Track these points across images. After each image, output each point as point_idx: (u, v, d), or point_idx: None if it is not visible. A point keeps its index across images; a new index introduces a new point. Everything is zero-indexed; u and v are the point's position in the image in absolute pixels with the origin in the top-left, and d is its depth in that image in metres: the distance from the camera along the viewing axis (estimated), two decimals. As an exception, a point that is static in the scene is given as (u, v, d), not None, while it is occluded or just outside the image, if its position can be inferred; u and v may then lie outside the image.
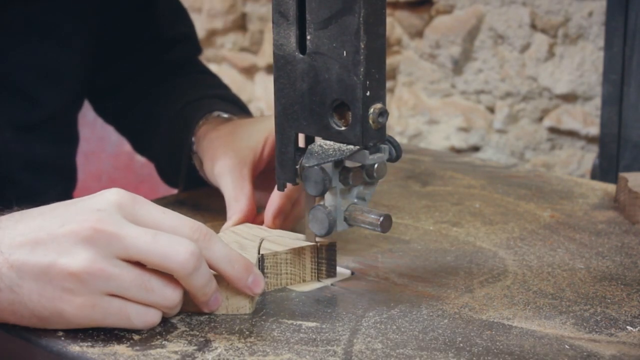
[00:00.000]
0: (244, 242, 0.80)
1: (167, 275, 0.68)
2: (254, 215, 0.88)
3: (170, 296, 0.69)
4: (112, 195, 0.69)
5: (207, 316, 0.73)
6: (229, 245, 0.72)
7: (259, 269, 0.77)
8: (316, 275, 0.80)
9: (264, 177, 0.93)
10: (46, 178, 1.08)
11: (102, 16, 1.11)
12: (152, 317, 0.69)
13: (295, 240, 0.80)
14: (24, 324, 0.69)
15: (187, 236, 0.69)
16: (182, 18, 1.20)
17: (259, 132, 0.92)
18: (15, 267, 0.67)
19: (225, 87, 1.17)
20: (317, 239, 0.79)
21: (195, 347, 0.67)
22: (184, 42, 1.19)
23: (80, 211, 0.68)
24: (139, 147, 1.20)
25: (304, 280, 0.79)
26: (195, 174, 1.02)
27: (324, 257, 0.79)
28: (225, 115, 1.02)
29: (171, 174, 1.08)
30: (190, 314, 0.73)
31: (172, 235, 0.68)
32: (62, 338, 0.69)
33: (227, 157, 0.91)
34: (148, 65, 1.17)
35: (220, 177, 0.90)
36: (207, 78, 1.19)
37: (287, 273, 0.79)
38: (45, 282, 0.66)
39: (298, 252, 0.79)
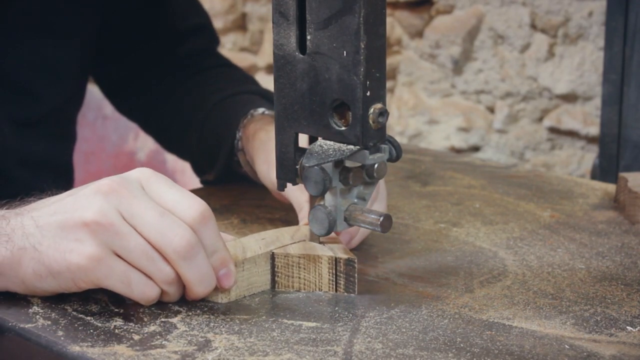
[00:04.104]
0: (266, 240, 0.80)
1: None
2: None
3: (169, 272, 0.71)
4: (136, 171, 0.74)
5: (207, 316, 0.73)
6: (220, 235, 0.74)
7: (271, 267, 0.78)
8: (334, 287, 0.78)
9: None
10: (42, 175, 1.07)
11: (106, 12, 1.11)
12: (150, 291, 0.71)
13: (321, 249, 0.79)
14: (41, 287, 0.73)
15: (187, 218, 0.71)
16: (196, 9, 1.18)
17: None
18: (39, 226, 0.72)
19: (254, 81, 1.17)
20: (335, 251, 0.78)
21: (195, 347, 0.67)
22: (200, 33, 1.18)
23: (110, 178, 0.73)
24: (168, 144, 1.20)
25: (320, 289, 0.79)
26: (234, 169, 1.02)
27: (342, 271, 0.78)
28: (270, 113, 1.02)
29: (208, 167, 1.08)
30: (190, 314, 0.73)
31: (175, 217, 0.71)
32: (62, 338, 0.69)
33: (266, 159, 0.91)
34: (163, 58, 1.16)
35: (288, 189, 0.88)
36: (234, 72, 1.18)
37: (299, 277, 0.78)
38: (61, 236, 0.71)
39: (313, 259, 0.78)
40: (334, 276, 0.78)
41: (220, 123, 1.04)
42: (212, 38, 1.20)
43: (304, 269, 0.78)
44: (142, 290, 0.71)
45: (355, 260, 0.77)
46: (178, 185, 0.74)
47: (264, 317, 0.73)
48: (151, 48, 1.16)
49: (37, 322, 0.71)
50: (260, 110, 1.03)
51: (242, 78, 1.17)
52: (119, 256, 0.70)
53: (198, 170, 1.13)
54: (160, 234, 0.70)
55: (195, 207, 0.72)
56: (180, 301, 0.74)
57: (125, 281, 0.71)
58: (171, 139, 1.18)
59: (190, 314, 0.73)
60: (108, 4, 1.11)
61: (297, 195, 0.87)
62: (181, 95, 1.14)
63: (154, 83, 1.17)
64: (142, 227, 0.70)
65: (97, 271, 0.70)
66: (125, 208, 0.71)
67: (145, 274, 0.71)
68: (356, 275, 0.77)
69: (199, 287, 0.72)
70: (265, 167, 0.92)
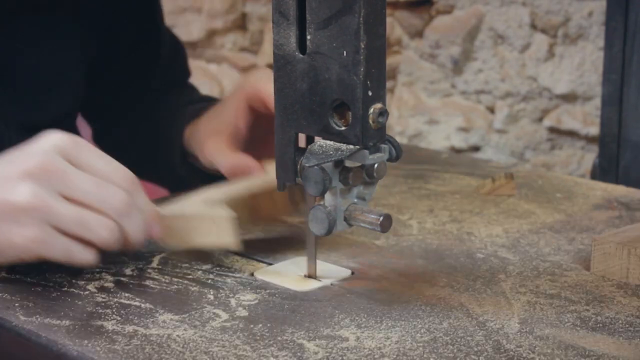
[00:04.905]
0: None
1: (103, 216, 0.77)
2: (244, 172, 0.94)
3: (104, 233, 0.77)
4: (55, 139, 0.78)
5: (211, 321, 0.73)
6: (149, 200, 0.82)
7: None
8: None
9: (252, 145, 0.97)
10: None
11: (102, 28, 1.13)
12: (90, 257, 0.78)
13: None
14: None
15: (120, 184, 0.78)
16: (174, 41, 1.22)
17: (231, 103, 0.97)
18: None
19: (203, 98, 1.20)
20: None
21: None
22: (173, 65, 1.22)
23: (27, 154, 0.78)
24: (143, 174, 1.22)
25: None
26: (191, 174, 1.06)
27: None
28: (204, 105, 1.06)
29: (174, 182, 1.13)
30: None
31: (109, 183, 0.78)
32: (62, 338, 0.69)
33: (210, 138, 0.97)
34: (139, 86, 1.19)
35: (213, 156, 0.96)
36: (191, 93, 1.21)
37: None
38: (1, 218, 0.76)
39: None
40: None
41: (171, 139, 1.09)
42: (184, 69, 1.24)
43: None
44: (82, 257, 0.77)
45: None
46: (100, 151, 0.80)
47: (264, 316, 0.73)
48: (130, 73, 1.19)
49: (37, 322, 0.71)
50: (198, 105, 1.08)
51: (203, 98, 1.20)
52: (59, 230, 0.76)
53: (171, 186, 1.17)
54: (99, 199, 0.76)
55: (125, 175, 0.79)
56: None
57: (67, 253, 0.76)
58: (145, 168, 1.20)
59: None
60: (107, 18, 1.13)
61: (222, 159, 0.94)
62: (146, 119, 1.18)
63: (129, 108, 1.19)
64: (81, 197, 0.76)
65: (41, 249, 0.76)
66: (58, 185, 0.76)
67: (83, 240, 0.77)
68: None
69: (136, 238, 0.79)
70: (201, 153, 0.99)
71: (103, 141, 1.21)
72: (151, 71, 1.18)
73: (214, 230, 0.84)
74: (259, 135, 0.96)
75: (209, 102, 1.12)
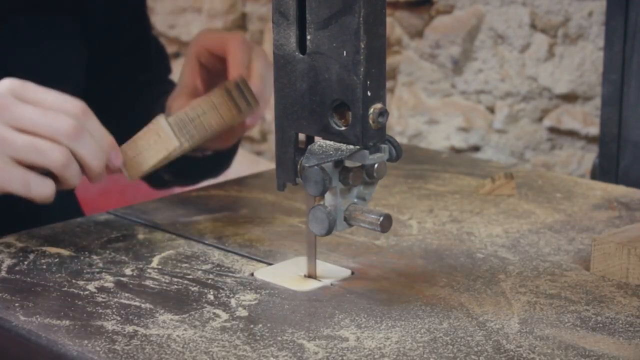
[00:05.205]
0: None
1: (55, 141, 0.81)
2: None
3: (58, 157, 0.81)
4: (4, 82, 0.84)
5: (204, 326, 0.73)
6: (104, 128, 0.86)
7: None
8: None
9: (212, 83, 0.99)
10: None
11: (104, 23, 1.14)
12: (47, 188, 0.82)
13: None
14: None
15: (70, 112, 0.82)
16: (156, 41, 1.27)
17: (185, 66, 1.01)
18: None
19: None
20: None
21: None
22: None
23: None
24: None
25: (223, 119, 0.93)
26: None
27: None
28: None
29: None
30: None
31: (58, 111, 0.82)
32: (62, 338, 0.69)
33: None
34: (129, 84, 1.23)
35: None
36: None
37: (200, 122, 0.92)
38: None
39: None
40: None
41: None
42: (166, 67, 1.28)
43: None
44: (40, 190, 0.82)
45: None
46: (49, 88, 0.84)
47: (263, 317, 0.73)
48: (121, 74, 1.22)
49: (37, 322, 0.71)
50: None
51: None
52: (16, 161, 0.81)
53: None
54: (48, 126, 0.81)
55: (75, 102, 0.83)
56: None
57: (24, 183, 0.81)
58: None
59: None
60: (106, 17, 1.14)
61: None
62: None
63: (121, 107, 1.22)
64: (31, 126, 0.81)
65: None
66: (9, 117, 0.81)
67: (40, 168, 0.82)
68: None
69: (93, 161, 0.83)
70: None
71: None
72: (142, 69, 1.22)
73: (159, 139, 0.89)
74: (219, 81, 0.99)
75: None
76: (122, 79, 1.20)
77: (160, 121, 0.90)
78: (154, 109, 1.16)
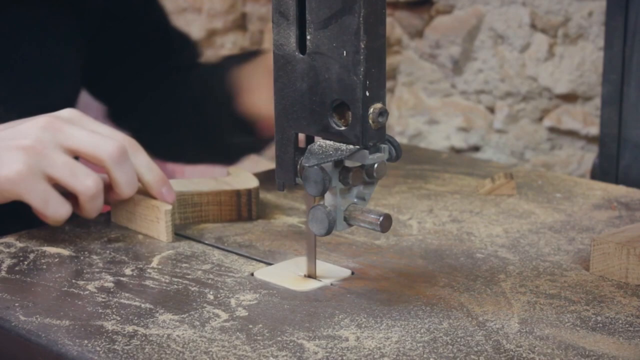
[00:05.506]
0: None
1: (92, 169, 0.84)
2: None
3: (90, 184, 0.84)
4: (65, 110, 0.88)
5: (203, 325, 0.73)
6: (155, 164, 0.89)
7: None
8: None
9: None
10: None
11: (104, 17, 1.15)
12: (63, 210, 0.84)
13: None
14: None
15: (118, 139, 0.86)
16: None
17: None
18: None
19: None
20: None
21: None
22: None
23: (42, 116, 0.86)
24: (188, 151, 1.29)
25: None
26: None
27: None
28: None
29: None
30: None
31: (106, 136, 0.85)
32: (62, 338, 0.69)
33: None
34: (154, 66, 1.25)
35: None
36: None
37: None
38: (3, 149, 0.83)
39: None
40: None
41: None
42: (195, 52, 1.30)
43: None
44: (56, 210, 0.84)
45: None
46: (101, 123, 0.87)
47: (263, 317, 0.73)
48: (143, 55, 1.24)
49: (37, 322, 0.71)
50: None
51: None
52: (48, 178, 0.83)
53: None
54: (94, 145, 0.84)
55: (126, 135, 0.86)
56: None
57: (43, 199, 0.83)
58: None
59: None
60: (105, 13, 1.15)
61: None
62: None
63: (148, 88, 1.24)
64: (78, 144, 0.84)
65: (22, 185, 0.82)
66: (60, 137, 0.83)
67: (69, 189, 0.84)
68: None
69: (126, 188, 0.86)
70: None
71: (125, 117, 1.27)
72: (163, 58, 1.24)
73: (156, 222, 0.90)
74: None
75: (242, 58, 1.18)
76: (140, 68, 1.22)
77: (166, 208, 0.90)
78: (185, 92, 1.22)
